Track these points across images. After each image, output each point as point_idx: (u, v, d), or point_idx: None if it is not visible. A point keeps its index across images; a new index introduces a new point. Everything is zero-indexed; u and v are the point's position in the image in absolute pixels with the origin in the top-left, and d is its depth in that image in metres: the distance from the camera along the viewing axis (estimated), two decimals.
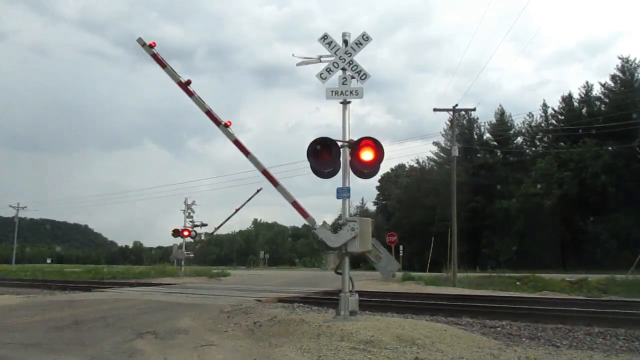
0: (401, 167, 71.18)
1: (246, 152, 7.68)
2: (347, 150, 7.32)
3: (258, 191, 27.72)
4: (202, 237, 31.81)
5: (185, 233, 25.68)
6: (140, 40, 7.80)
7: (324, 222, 8.10)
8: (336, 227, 7.29)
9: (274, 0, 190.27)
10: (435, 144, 59.35)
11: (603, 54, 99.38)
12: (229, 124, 7.61)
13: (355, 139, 7.37)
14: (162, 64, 7.77)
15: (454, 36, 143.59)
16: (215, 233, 32.50)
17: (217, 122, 7.68)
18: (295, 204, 7.55)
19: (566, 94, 52.92)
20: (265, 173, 7.62)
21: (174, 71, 7.80)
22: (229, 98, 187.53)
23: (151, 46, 7.72)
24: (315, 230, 7.25)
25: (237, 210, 28.01)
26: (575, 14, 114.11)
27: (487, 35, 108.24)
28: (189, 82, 7.67)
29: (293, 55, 7.70)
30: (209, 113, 7.73)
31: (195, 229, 26.45)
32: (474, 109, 28.92)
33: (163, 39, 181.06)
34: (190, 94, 7.73)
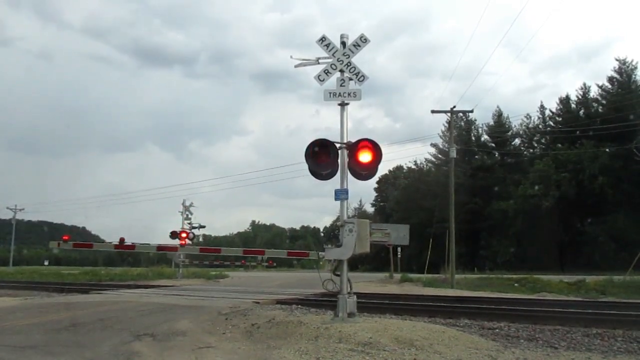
0: (399, 168, 71.40)
1: (218, 251, 8.11)
2: (345, 152, 7.31)
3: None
4: (201, 239, 31.91)
5: (183, 235, 25.62)
6: (52, 243, 8.46)
7: (326, 246, 8.24)
8: (335, 228, 7.37)
9: (275, 6, 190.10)
10: (433, 145, 59.51)
11: (597, 58, 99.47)
12: (183, 243, 8.25)
13: (354, 140, 7.37)
14: (89, 246, 8.42)
15: (451, 41, 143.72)
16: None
17: (173, 249, 8.21)
18: (290, 253, 7.81)
19: (562, 96, 53.15)
20: (247, 252, 7.92)
21: (105, 242, 8.31)
22: (230, 101, 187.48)
23: (65, 240, 8.33)
24: (324, 258, 7.30)
25: None
26: (569, 20, 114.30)
27: (483, 40, 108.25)
28: (122, 240, 8.20)
29: (291, 57, 7.72)
30: (160, 248, 8.31)
31: (193, 230, 26.41)
32: (471, 111, 29.50)
33: (166, 44, 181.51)
34: (132, 247, 8.19)
